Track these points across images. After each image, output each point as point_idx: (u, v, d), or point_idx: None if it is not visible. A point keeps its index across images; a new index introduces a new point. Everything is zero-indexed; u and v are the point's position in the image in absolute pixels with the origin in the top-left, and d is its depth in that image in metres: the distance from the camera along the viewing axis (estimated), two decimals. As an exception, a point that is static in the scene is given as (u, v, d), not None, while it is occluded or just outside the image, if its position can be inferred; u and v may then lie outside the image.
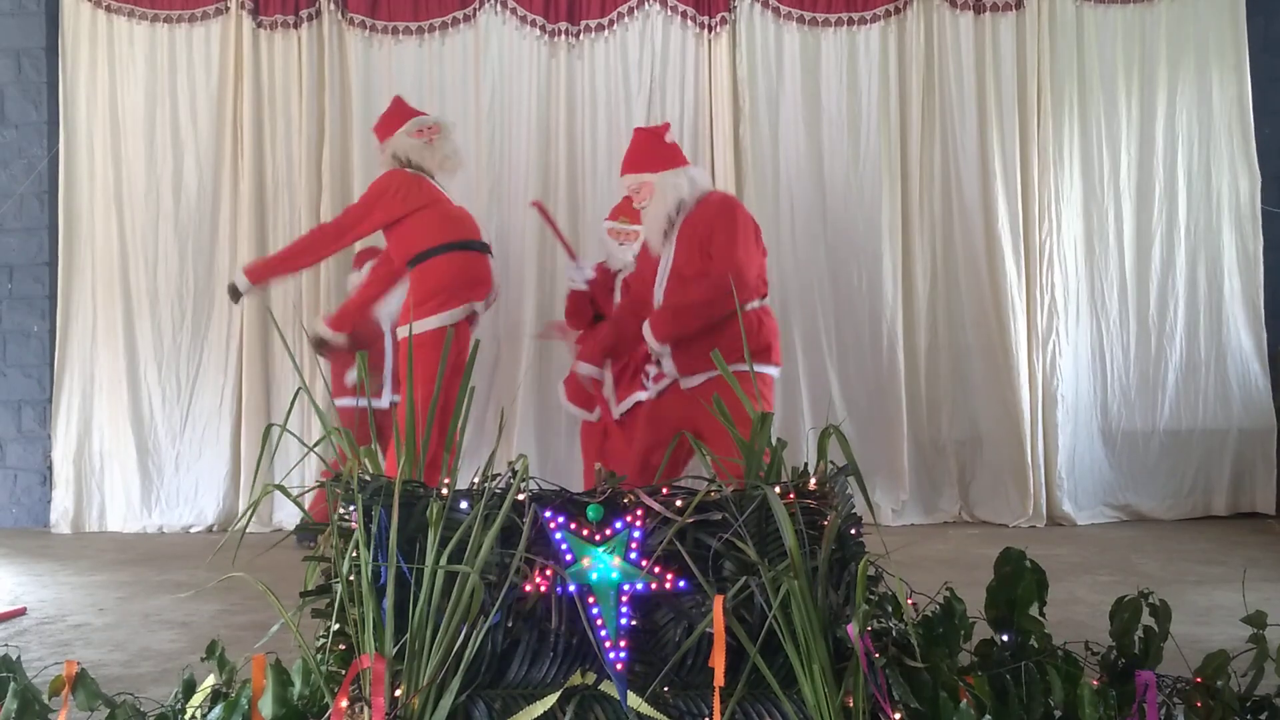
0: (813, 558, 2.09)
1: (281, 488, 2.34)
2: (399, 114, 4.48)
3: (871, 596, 2.07)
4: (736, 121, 6.00)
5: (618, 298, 4.85)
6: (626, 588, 2.13)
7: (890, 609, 2.13)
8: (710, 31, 6.05)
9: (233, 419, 6.00)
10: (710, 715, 2.04)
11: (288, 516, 5.77)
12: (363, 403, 4.98)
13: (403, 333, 4.20)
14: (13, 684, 2.11)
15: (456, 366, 3.76)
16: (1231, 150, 5.91)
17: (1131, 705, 2.07)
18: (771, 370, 3.72)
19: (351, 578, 2.10)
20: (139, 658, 3.15)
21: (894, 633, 2.08)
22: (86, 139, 6.09)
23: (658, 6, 6.08)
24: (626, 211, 4.90)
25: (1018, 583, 2.19)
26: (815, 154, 6.00)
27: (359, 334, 4.96)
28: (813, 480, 2.25)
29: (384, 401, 5.15)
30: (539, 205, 5.36)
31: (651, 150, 3.79)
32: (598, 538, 2.17)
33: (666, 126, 4.01)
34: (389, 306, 5.20)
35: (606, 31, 6.09)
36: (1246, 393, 5.86)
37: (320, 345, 4.93)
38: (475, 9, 6.09)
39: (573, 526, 2.18)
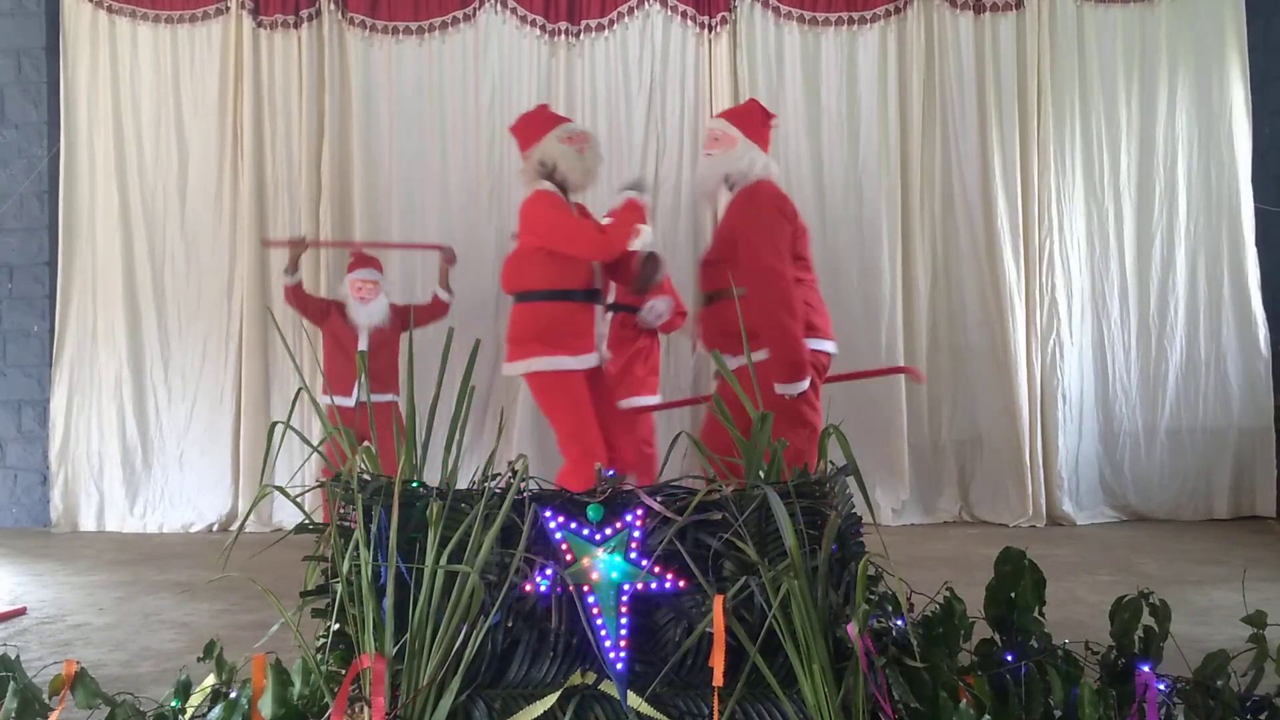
0: (813, 558, 2.09)
1: (281, 489, 2.34)
2: (546, 118, 4.08)
3: (871, 596, 2.07)
4: (736, 121, 5.99)
5: (612, 295, 4.89)
6: (626, 588, 2.13)
7: (890, 609, 2.13)
8: (710, 31, 6.05)
9: (232, 419, 6.00)
10: (710, 715, 2.04)
11: (288, 516, 5.77)
12: (340, 401, 4.99)
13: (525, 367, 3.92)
14: (13, 683, 2.11)
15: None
16: (1231, 150, 5.90)
17: (1131, 705, 2.07)
18: (828, 345, 3.63)
19: (351, 578, 2.10)
20: (139, 657, 3.15)
21: (894, 633, 2.08)
22: (87, 139, 6.10)
23: (658, 6, 6.08)
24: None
25: (1017, 583, 2.19)
26: (815, 154, 6.00)
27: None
28: (812, 480, 2.25)
29: (351, 400, 5.10)
30: None
31: (752, 119, 3.79)
32: (598, 538, 2.17)
33: (775, 116, 3.97)
34: (360, 311, 5.19)
35: (606, 31, 6.09)
36: (1247, 393, 5.86)
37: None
38: (475, 9, 6.09)
39: (573, 526, 2.18)
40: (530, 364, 3.70)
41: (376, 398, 5.09)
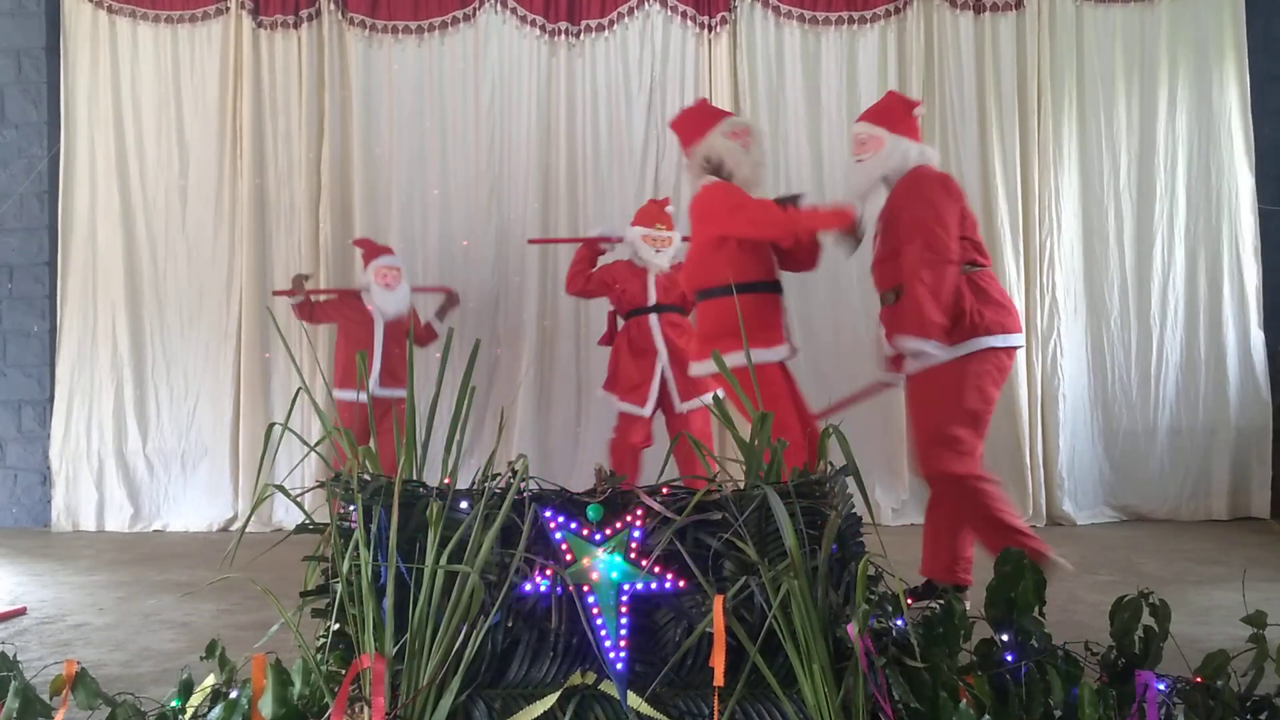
0: (813, 558, 2.09)
1: (281, 488, 2.34)
2: (709, 113, 3.95)
3: (871, 596, 2.07)
4: (737, 121, 6.00)
5: (652, 294, 4.91)
6: (626, 588, 2.13)
7: (890, 609, 2.13)
8: (710, 31, 6.05)
9: (232, 419, 6.00)
10: (710, 715, 2.04)
11: (288, 516, 5.77)
12: (361, 397, 5.04)
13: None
14: (13, 683, 2.12)
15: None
16: (1231, 150, 5.90)
17: (1131, 705, 2.07)
18: (1002, 340, 3.50)
19: (351, 578, 2.10)
20: (139, 658, 3.15)
21: (894, 633, 2.08)
22: (87, 139, 6.10)
23: (658, 6, 6.08)
24: (659, 218, 4.96)
25: (1017, 583, 2.19)
26: (815, 154, 6.00)
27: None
28: (812, 480, 2.25)
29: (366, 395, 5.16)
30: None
31: (894, 113, 3.73)
32: (598, 538, 2.17)
33: (920, 103, 3.89)
34: (387, 299, 5.22)
35: (607, 31, 6.09)
36: (1247, 392, 5.85)
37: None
38: (475, 9, 6.09)
39: (573, 526, 2.18)
40: (725, 360, 3.67)
41: (392, 392, 5.12)
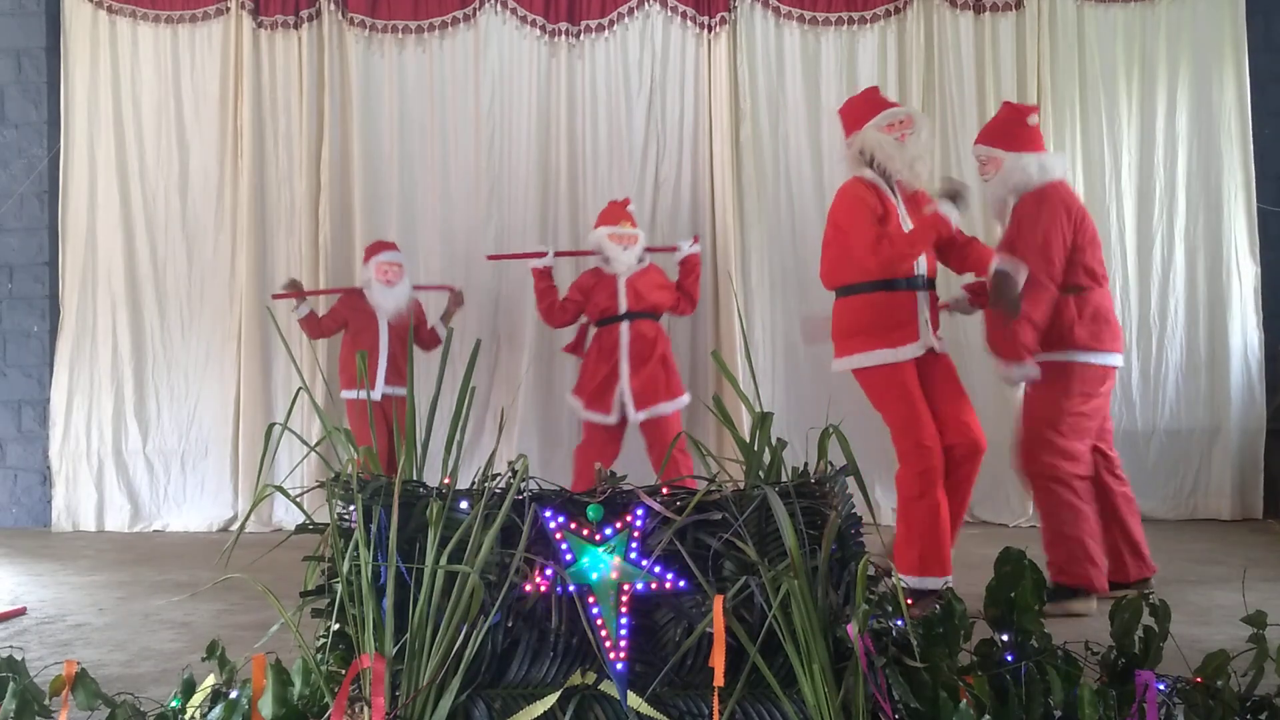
0: (813, 558, 2.09)
1: (281, 488, 2.34)
2: (871, 103, 3.85)
3: (871, 596, 2.07)
4: (736, 121, 6.00)
5: (623, 301, 4.88)
6: (626, 588, 2.13)
7: (890, 609, 2.13)
8: (710, 31, 6.05)
9: (233, 419, 6.00)
10: (710, 715, 2.04)
11: (288, 517, 5.77)
12: (365, 395, 5.04)
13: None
14: (13, 684, 2.12)
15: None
16: (1231, 150, 5.90)
17: (1131, 705, 2.07)
18: (1094, 358, 3.67)
19: (351, 578, 2.10)
20: (139, 658, 3.15)
21: (894, 633, 2.07)
22: (87, 139, 6.10)
23: (658, 6, 6.08)
24: (623, 216, 4.98)
25: (1017, 583, 2.19)
26: (815, 154, 6.00)
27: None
28: (812, 480, 2.25)
29: (377, 394, 5.17)
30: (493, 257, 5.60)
31: (1009, 127, 3.78)
32: (598, 538, 2.17)
33: (1035, 109, 3.90)
34: (387, 295, 5.22)
35: (606, 32, 6.09)
36: (1247, 393, 5.85)
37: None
38: (475, 9, 6.09)
39: (573, 526, 2.18)
40: (852, 360, 3.69)
41: (398, 390, 5.13)
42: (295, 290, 5.35)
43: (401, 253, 5.44)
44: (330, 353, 5.71)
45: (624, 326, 4.88)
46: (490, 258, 5.67)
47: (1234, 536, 5.23)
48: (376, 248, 5.39)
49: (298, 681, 2.09)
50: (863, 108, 3.83)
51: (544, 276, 5.05)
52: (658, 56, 6.08)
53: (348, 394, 5.25)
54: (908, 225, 3.67)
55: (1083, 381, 3.67)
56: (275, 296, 5.64)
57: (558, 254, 5.22)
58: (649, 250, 5.13)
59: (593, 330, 5.02)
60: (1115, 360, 3.74)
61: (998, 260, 3.59)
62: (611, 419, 4.85)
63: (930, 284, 3.73)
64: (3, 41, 6.15)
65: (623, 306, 4.89)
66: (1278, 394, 5.89)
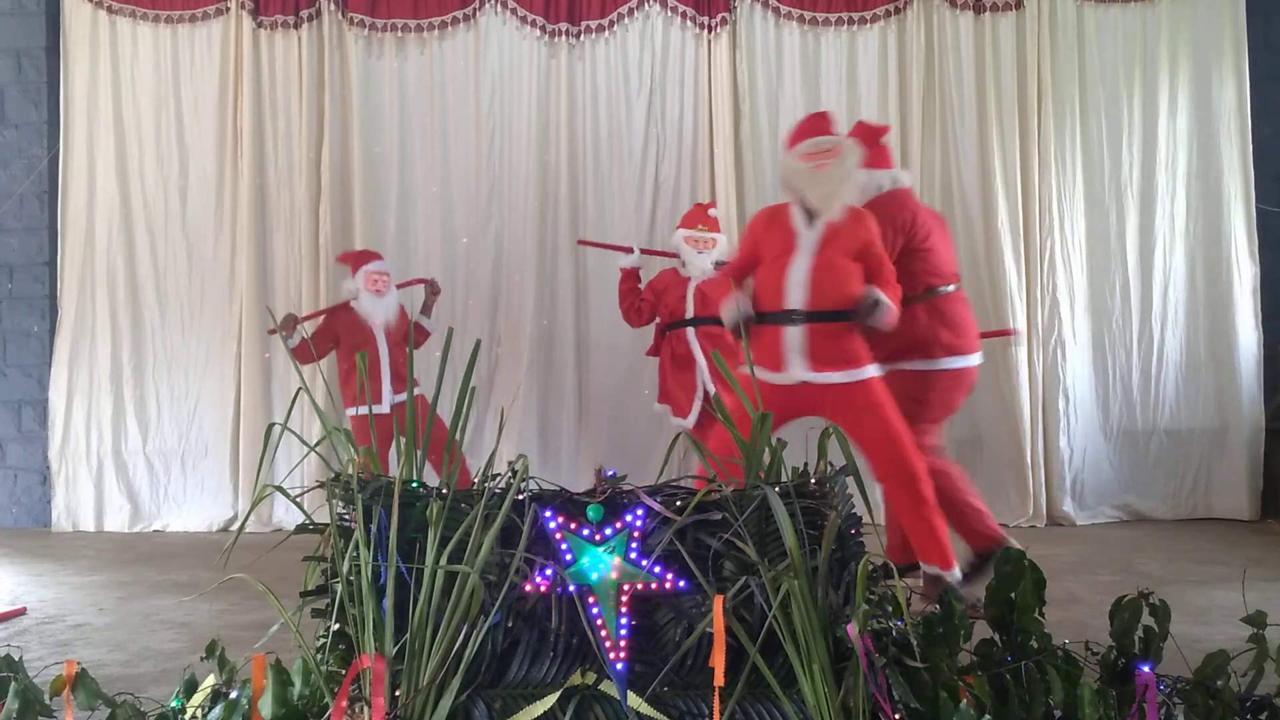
0: (813, 558, 2.09)
1: (281, 489, 2.34)
2: (802, 130, 3.71)
3: (871, 596, 2.07)
4: (736, 121, 6.00)
5: (690, 306, 4.79)
6: (626, 588, 2.13)
7: (890, 609, 2.13)
8: (710, 32, 6.05)
9: (232, 419, 5.99)
10: (710, 715, 2.04)
11: (288, 517, 5.77)
12: (377, 408, 4.91)
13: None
14: (14, 684, 2.12)
15: None
16: (1231, 150, 5.90)
17: (1131, 705, 2.07)
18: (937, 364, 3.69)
19: (351, 578, 2.10)
20: (139, 658, 3.15)
21: (894, 633, 2.08)
22: (87, 139, 6.10)
23: (658, 7, 6.08)
24: (703, 219, 4.91)
25: (1017, 583, 2.19)
26: (815, 154, 5.99)
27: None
28: (812, 480, 2.25)
29: (384, 406, 5.04)
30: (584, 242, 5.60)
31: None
32: (598, 538, 2.17)
33: (886, 129, 3.93)
34: (377, 305, 5.12)
35: (607, 32, 6.09)
36: (1247, 393, 5.85)
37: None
38: (475, 9, 6.09)
39: (573, 526, 2.18)
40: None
41: (405, 398, 5.05)
42: (290, 325, 5.11)
43: (386, 262, 5.26)
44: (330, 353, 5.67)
45: (690, 332, 4.76)
46: (581, 243, 5.66)
47: (1234, 536, 5.23)
48: (363, 257, 5.21)
49: (298, 681, 2.09)
50: (795, 133, 3.76)
51: (629, 276, 4.97)
52: (658, 57, 6.08)
53: (352, 411, 4.96)
54: (807, 258, 3.40)
55: (942, 390, 3.72)
56: (271, 332, 5.59)
57: (644, 251, 5.13)
58: (644, 253, 5.10)
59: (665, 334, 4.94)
60: (968, 362, 3.75)
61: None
62: (689, 423, 4.75)
63: (808, 317, 3.42)
64: (3, 41, 6.15)
65: (689, 311, 4.79)
66: (1278, 394, 5.90)
